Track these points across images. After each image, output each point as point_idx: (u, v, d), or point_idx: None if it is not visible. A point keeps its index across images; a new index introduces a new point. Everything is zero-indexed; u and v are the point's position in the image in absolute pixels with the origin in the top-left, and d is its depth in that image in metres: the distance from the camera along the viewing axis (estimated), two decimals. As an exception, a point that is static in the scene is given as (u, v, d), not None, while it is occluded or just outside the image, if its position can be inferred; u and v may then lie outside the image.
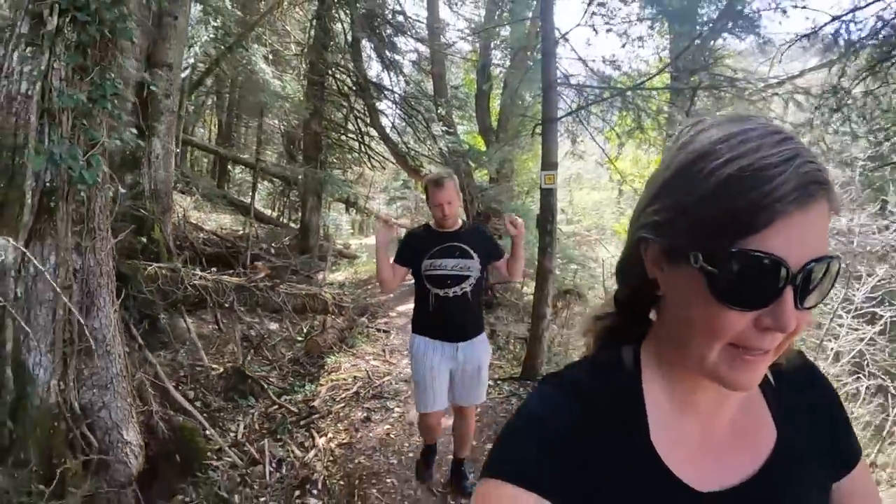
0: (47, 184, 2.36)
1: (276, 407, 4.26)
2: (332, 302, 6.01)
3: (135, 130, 3.20)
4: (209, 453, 3.51)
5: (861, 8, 4.92)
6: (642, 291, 0.65)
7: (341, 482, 3.25)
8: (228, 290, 4.63)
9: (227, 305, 4.50)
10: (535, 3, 7.92)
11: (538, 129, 4.90)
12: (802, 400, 0.70)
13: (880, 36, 4.76)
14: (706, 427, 0.63)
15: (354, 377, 4.96)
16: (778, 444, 0.65)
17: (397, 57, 11.37)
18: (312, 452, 3.60)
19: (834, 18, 4.95)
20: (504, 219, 2.75)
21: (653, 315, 0.68)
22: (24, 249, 2.29)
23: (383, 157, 12.81)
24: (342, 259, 12.88)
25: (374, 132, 12.02)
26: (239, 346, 4.51)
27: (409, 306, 7.85)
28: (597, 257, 9.48)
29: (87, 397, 2.64)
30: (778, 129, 0.54)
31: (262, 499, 3.15)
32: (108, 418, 2.74)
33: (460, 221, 2.86)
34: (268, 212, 13.97)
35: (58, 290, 2.38)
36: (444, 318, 2.79)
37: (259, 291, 4.99)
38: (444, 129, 10.20)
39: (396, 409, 4.27)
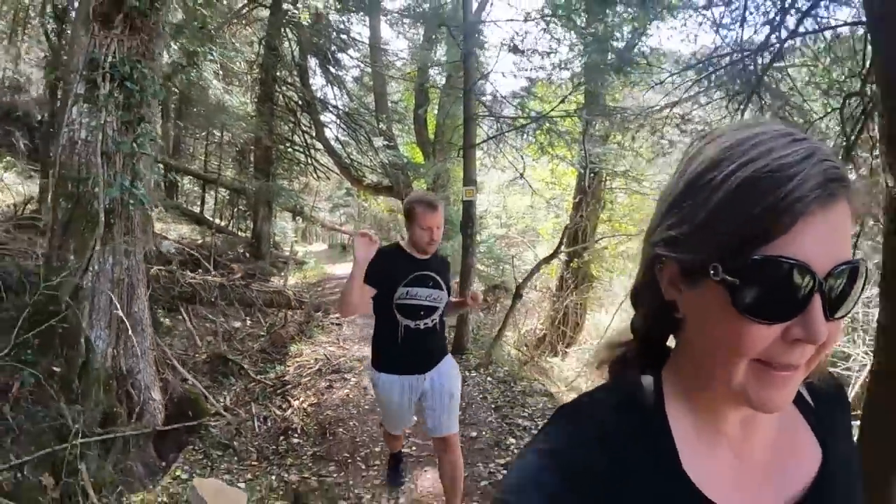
0: (107, 206, 3.29)
1: (254, 383, 5.19)
2: (294, 298, 6.98)
3: (161, 165, 4.12)
4: (208, 416, 4.44)
5: (720, 56, 6.32)
6: (660, 316, 0.61)
7: (315, 427, 4.27)
8: (213, 287, 5.54)
9: (213, 301, 5.39)
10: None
11: (461, 153, 6.05)
12: (838, 417, 0.69)
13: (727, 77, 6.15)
14: (741, 454, 0.59)
15: (315, 359, 5.95)
16: (824, 463, 0.62)
17: (341, 73, 12.33)
18: (290, 411, 4.59)
19: (697, 62, 6.34)
20: (469, 296, 2.78)
21: (671, 342, 0.65)
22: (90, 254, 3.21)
23: (328, 167, 13.72)
24: (293, 265, 13.67)
25: (319, 144, 12.92)
26: (220, 335, 5.42)
27: None
28: (520, 256, 10.75)
29: (129, 363, 3.55)
30: (789, 131, 0.52)
31: (256, 443, 4.12)
32: (142, 381, 3.66)
33: None
34: (216, 220, 14.58)
35: (113, 283, 3.32)
36: (414, 351, 2.64)
37: (237, 289, 5.90)
38: (385, 142, 11.22)
39: (352, 379, 5.30)
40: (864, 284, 0.51)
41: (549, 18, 6.21)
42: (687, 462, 0.56)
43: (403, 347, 2.60)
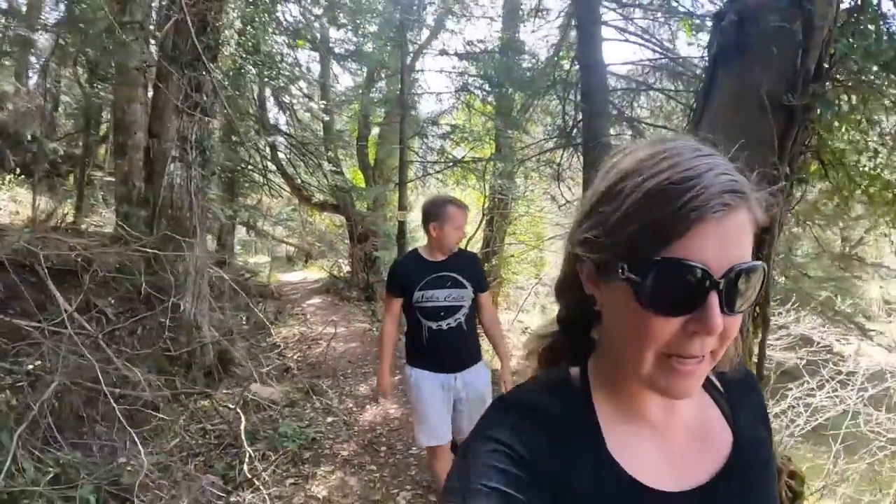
0: (196, 223, 5.71)
1: (255, 348, 7.58)
2: (276, 291, 9.38)
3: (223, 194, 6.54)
4: (231, 364, 6.82)
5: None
6: (581, 308, 0.70)
7: (307, 366, 6.76)
8: (225, 280, 7.87)
9: (222, 290, 7.73)
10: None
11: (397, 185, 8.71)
12: (748, 402, 0.78)
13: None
14: (662, 436, 0.68)
15: (293, 334, 8.40)
16: (735, 443, 0.71)
17: (293, 101, 14.64)
18: (286, 360, 7.05)
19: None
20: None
21: (595, 334, 0.73)
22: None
23: (280, 186, 15.98)
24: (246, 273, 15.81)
25: (272, 166, 15.16)
26: (227, 315, 7.77)
27: (316, 301, 11.52)
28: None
29: (198, 320, 5.95)
30: (697, 146, 0.60)
31: (266, 372, 6.54)
32: (205, 333, 6.05)
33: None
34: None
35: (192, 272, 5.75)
36: (440, 351, 2.82)
37: (241, 282, 8.25)
38: (332, 168, 13.66)
39: (324, 343, 7.78)
40: (762, 284, 0.60)
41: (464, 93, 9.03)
42: (613, 446, 0.65)
43: (430, 348, 2.81)
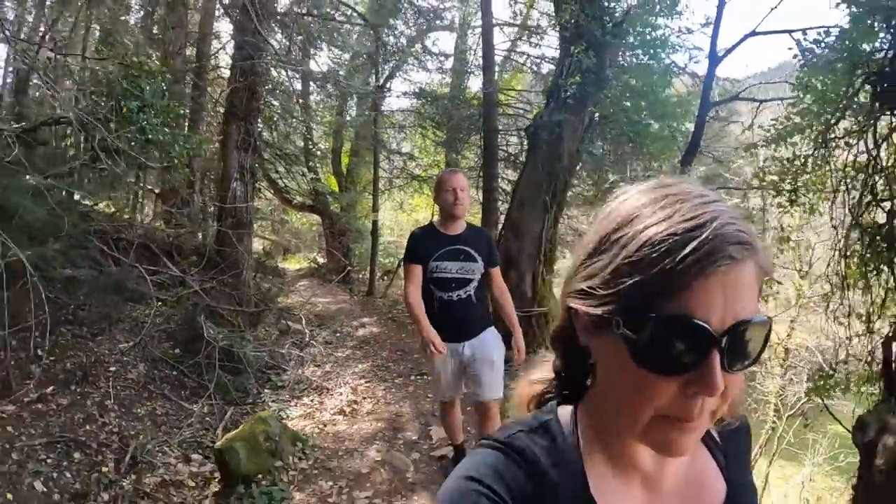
0: (250, 220, 9.61)
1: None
2: (281, 270, 13.26)
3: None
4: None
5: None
6: (575, 358, 0.70)
7: (314, 316, 10.69)
8: (252, 260, 11.72)
9: (250, 266, 11.56)
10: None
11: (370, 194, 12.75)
12: (738, 448, 0.79)
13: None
14: (651, 486, 0.68)
15: (296, 301, 12.29)
16: (729, 495, 0.71)
17: (275, 114, 18.36)
18: (300, 314, 10.96)
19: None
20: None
21: (588, 381, 0.73)
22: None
23: (265, 189, 19.62)
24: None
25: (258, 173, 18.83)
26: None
27: (304, 282, 15.83)
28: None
29: (250, 283, 9.82)
30: (700, 193, 0.59)
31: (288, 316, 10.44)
32: (252, 290, 9.94)
33: (464, 224, 3.17)
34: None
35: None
36: (449, 320, 3.12)
37: (262, 263, 12.13)
38: (312, 176, 17.45)
39: (319, 305, 11.69)
40: (766, 340, 0.58)
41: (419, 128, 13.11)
42: (598, 492, 0.65)
43: (440, 317, 3.12)
